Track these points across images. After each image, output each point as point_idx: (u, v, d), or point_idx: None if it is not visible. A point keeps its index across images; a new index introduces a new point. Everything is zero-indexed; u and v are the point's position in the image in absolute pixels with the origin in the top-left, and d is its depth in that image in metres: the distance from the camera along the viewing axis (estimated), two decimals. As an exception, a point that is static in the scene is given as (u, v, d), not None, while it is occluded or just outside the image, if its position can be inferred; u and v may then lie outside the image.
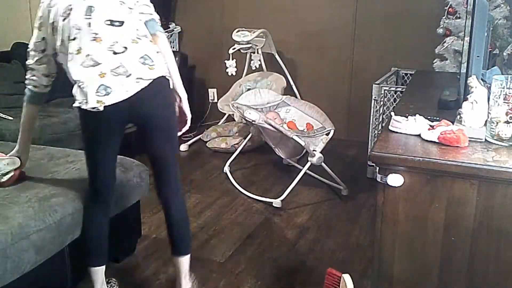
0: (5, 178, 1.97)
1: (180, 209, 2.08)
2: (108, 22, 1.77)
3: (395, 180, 1.43)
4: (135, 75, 1.76)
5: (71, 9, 1.78)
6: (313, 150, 3.04)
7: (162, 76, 1.84)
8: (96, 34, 1.76)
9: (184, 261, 2.08)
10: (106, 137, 1.87)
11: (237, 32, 4.08)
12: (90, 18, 1.76)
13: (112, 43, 1.76)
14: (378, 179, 1.45)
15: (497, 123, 1.47)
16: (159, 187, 2.02)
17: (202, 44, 4.89)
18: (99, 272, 2.00)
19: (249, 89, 4.10)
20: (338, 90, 4.57)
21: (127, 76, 1.75)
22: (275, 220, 2.96)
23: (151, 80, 1.78)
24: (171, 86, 1.95)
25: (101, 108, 1.73)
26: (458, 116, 1.60)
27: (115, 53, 1.76)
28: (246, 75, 4.39)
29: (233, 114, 4.12)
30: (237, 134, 4.23)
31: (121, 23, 1.79)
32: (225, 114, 4.39)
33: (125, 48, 1.77)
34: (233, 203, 3.18)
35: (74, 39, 1.78)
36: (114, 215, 2.17)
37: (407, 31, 4.21)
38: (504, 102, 1.45)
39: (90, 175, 1.92)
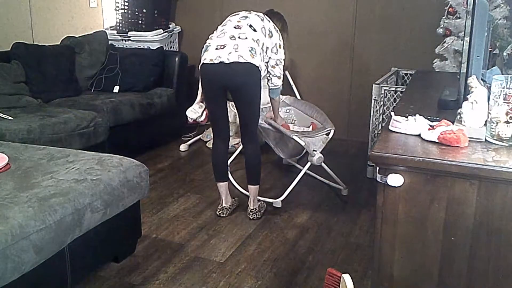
0: (203, 117, 3.05)
1: (252, 152, 2.91)
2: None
3: (395, 180, 1.43)
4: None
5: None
6: (313, 150, 3.04)
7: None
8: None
9: (253, 189, 2.95)
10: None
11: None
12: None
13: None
14: (378, 179, 1.45)
15: (497, 123, 1.47)
16: (241, 136, 2.98)
17: (202, 44, 4.87)
18: (223, 186, 2.99)
19: None
20: (338, 90, 4.57)
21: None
22: (275, 220, 2.96)
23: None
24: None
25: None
26: (458, 116, 1.60)
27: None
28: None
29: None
30: (237, 134, 4.23)
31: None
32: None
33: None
34: (233, 203, 3.18)
35: None
36: (114, 215, 2.18)
37: (407, 31, 4.21)
38: (504, 102, 1.45)
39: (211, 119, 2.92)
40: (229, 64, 2.60)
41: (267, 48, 2.76)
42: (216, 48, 2.66)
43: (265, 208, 3.07)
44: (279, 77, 2.86)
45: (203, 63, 2.70)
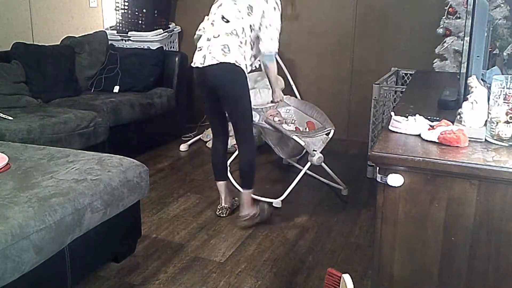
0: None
1: (244, 153, 2.82)
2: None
3: (395, 180, 1.43)
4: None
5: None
6: (313, 150, 3.04)
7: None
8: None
9: (244, 194, 2.82)
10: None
11: (237, 32, 4.08)
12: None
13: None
14: (378, 179, 1.45)
15: (497, 123, 1.47)
16: (234, 136, 2.89)
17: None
18: (222, 186, 2.98)
19: None
20: (338, 90, 4.57)
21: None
22: (275, 220, 2.96)
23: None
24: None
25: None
26: (458, 116, 1.60)
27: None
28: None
29: None
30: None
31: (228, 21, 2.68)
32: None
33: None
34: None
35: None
36: (114, 215, 2.18)
37: (407, 31, 4.21)
38: (504, 102, 1.45)
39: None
40: (204, 68, 2.64)
41: (254, 24, 2.67)
42: (198, 51, 2.74)
43: (267, 215, 2.94)
44: (271, 39, 2.68)
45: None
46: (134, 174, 2.30)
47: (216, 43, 2.63)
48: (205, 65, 2.62)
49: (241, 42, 2.64)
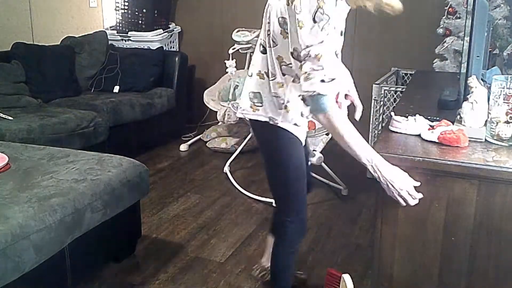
0: None
1: (274, 246, 1.93)
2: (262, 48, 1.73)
3: None
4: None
5: None
6: (313, 150, 3.04)
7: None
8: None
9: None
10: None
11: (237, 32, 4.07)
12: None
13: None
14: (377, 179, 1.46)
15: (497, 123, 1.47)
16: None
17: (202, 44, 4.89)
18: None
19: (237, 86, 4.08)
20: (338, 90, 4.57)
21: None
22: (275, 220, 2.96)
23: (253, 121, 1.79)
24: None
25: None
26: (458, 116, 1.60)
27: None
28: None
29: (216, 113, 4.07)
30: (237, 134, 4.23)
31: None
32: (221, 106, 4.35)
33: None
34: (233, 203, 3.18)
35: None
36: (114, 215, 2.18)
37: (407, 31, 4.21)
38: (504, 102, 1.45)
39: None
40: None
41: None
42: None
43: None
44: (307, 77, 1.51)
45: None
46: (134, 174, 2.30)
47: (245, 91, 1.82)
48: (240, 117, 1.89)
49: (281, 81, 1.69)
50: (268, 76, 1.71)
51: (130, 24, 4.66)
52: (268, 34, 1.66)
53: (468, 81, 1.58)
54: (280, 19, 1.59)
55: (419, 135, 1.55)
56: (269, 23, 1.65)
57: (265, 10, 1.68)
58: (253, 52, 4.29)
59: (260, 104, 1.74)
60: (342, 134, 1.53)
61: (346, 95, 2.06)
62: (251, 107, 1.77)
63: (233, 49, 4.10)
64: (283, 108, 1.70)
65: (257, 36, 4.03)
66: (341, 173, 3.49)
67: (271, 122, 1.73)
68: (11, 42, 3.84)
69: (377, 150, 1.45)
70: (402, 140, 1.54)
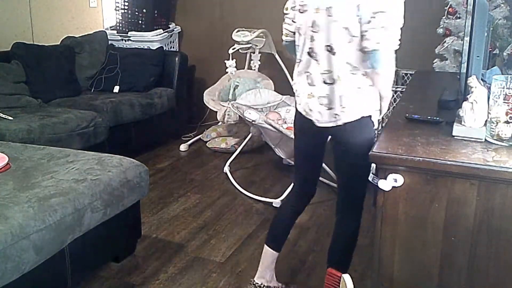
0: None
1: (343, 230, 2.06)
2: (328, 48, 1.77)
3: (386, 184, 1.43)
4: (335, 112, 1.80)
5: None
6: (313, 150, 3.03)
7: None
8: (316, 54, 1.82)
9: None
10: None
11: (237, 32, 4.08)
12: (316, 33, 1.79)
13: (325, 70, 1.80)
14: (370, 179, 1.46)
15: (497, 123, 1.47)
16: None
17: (202, 44, 4.89)
18: (271, 257, 2.13)
19: (237, 86, 4.07)
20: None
21: (328, 109, 1.81)
22: (275, 220, 2.96)
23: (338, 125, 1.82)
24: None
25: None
26: (458, 116, 1.60)
27: (325, 82, 1.81)
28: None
29: (216, 113, 4.07)
30: (237, 134, 4.23)
31: (334, 53, 1.76)
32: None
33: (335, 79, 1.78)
34: (233, 203, 3.18)
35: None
36: (114, 215, 2.18)
37: (407, 31, 4.19)
38: (504, 102, 1.45)
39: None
40: None
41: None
42: None
43: None
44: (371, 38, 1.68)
45: None
46: (134, 174, 2.30)
47: None
48: None
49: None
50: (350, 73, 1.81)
51: (130, 24, 4.66)
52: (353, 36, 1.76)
53: (468, 81, 1.58)
54: None
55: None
56: None
57: None
58: (253, 52, 4.30)
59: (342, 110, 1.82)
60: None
61: None
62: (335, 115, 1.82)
63: (233, 49, 4.11)
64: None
65: (257, 36, 4.05)
66: (341, 173, 3.48)
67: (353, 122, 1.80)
68: (11, 42, 3.84)
69: (377, 150, 1.45)
70: (402, 140, 1.54)
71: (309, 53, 1.83)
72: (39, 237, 1.74)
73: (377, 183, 1.44)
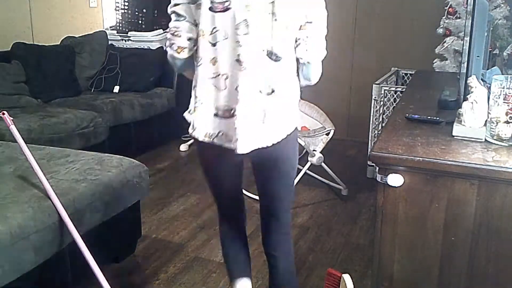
0: None
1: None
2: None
3: (395, 180, 1.43)
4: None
5: None
6: (313, 150, 3.04)
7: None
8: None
9: None
10: None
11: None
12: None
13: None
14: (378, 179, 1.45)
15: (497, 123, 1.47)
16: None
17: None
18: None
19: None
20: (338, 90, 4.57)
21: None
22: (275, 220, 2.95)
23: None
24: None
25: None
26: (458, 116, 1.60)
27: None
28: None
29: None
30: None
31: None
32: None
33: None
34: (233, 203, 3.18)
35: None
36: (114, 215, 2.18)
37: (407, 31, 4.21)
38: (504, 102, 1.45)
39: None
40: None
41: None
42: None
43: None
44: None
45: None
46: (134, 174, 2.30)
47: None
48: None
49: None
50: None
51: (130, 24, 4.66)
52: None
53: (468, 81, 1.58)
54: None
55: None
56: None
57: None
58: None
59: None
60: None
61: None
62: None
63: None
64: None
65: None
66: (341, 173, 3.49)
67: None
68: (11, 42, 3.84)
69: (377, 150, 1.45)
70: (402, 140, 1.54)
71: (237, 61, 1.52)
72: (39, 237, 1.74)
73: (386, 181, 1.44)
